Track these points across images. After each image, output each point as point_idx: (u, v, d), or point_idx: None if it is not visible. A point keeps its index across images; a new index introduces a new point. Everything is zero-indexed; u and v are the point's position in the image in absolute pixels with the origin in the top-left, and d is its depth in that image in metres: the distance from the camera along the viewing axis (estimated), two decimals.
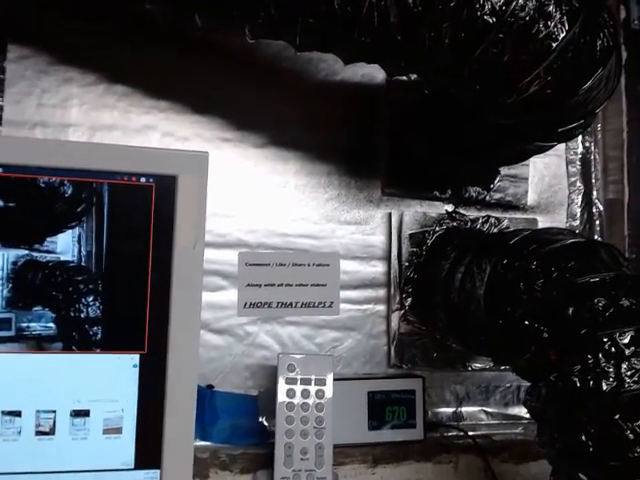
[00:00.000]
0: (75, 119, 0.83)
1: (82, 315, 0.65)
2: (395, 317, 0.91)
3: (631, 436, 0.57)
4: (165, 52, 0.84)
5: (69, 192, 0.65)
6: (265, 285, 0.88)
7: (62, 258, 0.65)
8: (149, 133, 0.85)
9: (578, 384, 0.60)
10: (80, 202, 0.65)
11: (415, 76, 0.73)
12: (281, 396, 0.78)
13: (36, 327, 0.64)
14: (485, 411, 0.96)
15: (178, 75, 0.85)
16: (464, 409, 0.95)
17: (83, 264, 0.65)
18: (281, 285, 0.88)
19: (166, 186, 0.67)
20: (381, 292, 0.92)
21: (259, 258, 0.88)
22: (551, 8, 0.59)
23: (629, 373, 0.59)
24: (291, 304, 0.88)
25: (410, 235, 0.91)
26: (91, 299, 0.65)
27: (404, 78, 0.85)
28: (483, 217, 0.93)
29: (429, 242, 0.91)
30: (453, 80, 0.64)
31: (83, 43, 0.83)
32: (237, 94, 0.87)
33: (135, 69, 0.84)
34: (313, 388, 0.79)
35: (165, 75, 0.85)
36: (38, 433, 0.63)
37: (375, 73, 0.85)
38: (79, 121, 0.83)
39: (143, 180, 0.67)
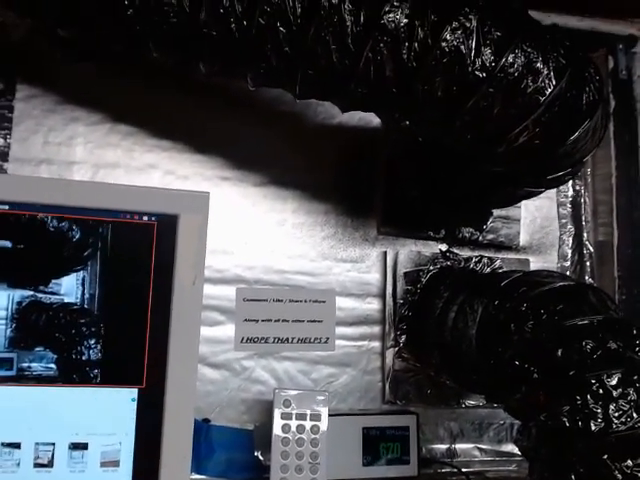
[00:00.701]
0: (80, 157, 0.85)
1: (83, 357, 0.66)
2: (390, 354, 0.92)
3: (619, 476, 0.58)
4: (168, 93, 0.87)
5: (76, 236, 0.67)
6: (262, 320, 0.89)
7: (66, 300, 0.66)
8: (151, 171, 0.87)
9: (567, 424, 0.61)
10: (86, 246, 0.67)
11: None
12: (277, 431, 0.79)
13: (37, 367, 0.65)
14: (479, 448, 0.96)
15: (180, 115, 0.88)
16: (458, 446, 0.95)
17: (86, 306, 0.67)
18: (278, 321, 0.89)
19: (168, 225, 0.69)
20: (376, 329, 0.93)
21: (257, 294, 0.89)
22: (539, 64, 0.62)
23: (617, 414, 0.60)
24: (287, 339, 0.90)
25: (405, 273, 0.93)
26: (93, 342, 0.67)
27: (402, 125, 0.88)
28: (476, 257, 0.95)
29: (423, 280, 0.93)
30: (445, 131, 0.66)
31: (90, 83, 0.86)
32: (237, 134, 0.90)
33: (139, 109, 0.87)
34: (308, 423, 0.80)
35: (168, 115, 0.88)
36: (37, 465, 0.64)
37: (371, 117, 0.88)
38: (84, 159, 0.85)
39: (145, 219, 0.69)
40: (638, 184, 0.99)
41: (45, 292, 0.66)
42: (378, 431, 0.88)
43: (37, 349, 0.65)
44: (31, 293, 0.65)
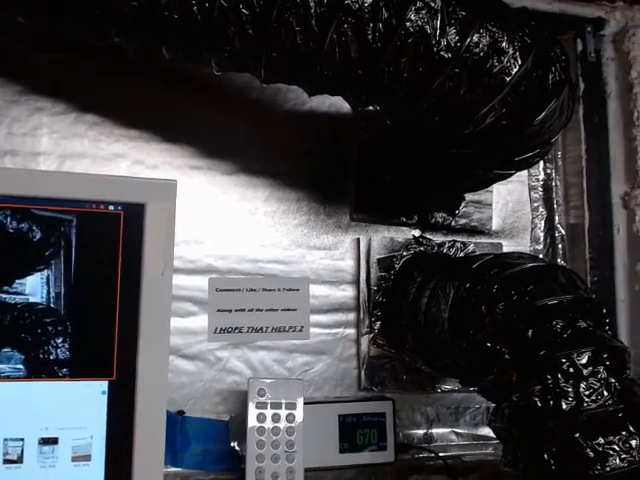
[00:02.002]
0: (45, 148, 0.84)
1: (51, 357, 0.65)
2: (365, 340, 0.92)
3: (591, 454, 0.58)
4: (134, 81, 0.85)
5: (39, 232, 0.65)
6: (235, 310, 0.88)
7: (31, 300, 0.65)
8: (119, 161, 0.86)
9: (539, 404, 0.62)
10: (51, 240, 0.66)
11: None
12: (252, 421, 0.78)
13: (5, 369, 0.64)
14: (455, 432, 0.97)
15: (147, 104, 0.87)
16: (434, 430, 0.96)
17: (52, 305, 0.65)
18: (251, 310, 0.89)
19: (134, 214, 0.68)
20: (351, 316, 0.93)
21: (229, 284, 0.88)
22: (504, 44, 0.62)
23: (587, 392, 0.61)
24: (262, 329, 0.89)
25: (378, 260, 0.93)
26: (60, 341, 0.65)
27: (370, 108, 0.88)
28: (449, 242, 0.95)
29: (397, 267, 0.93)
30: (412, 112, 0.66)
31: (53, 73, 0.84)
32: (206, 122, 0.89)
33: (105, 98, 0.85)
34: (284, 412, 0.79)
35: (135, 104, 0.86)
36: (6, 462, 0.63)
37: (342, 103, 0.86)
38: (49, 150, 0.84)
39: (112, 208, 0.67)
40: (608, 166, 1.00)
41: (9, 292, 0.64)
42: (354, 418, 0.88)
43: (4, 350, 0.64)
44: None
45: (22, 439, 0.64)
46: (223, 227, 0.89)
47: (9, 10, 0.69)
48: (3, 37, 0.81)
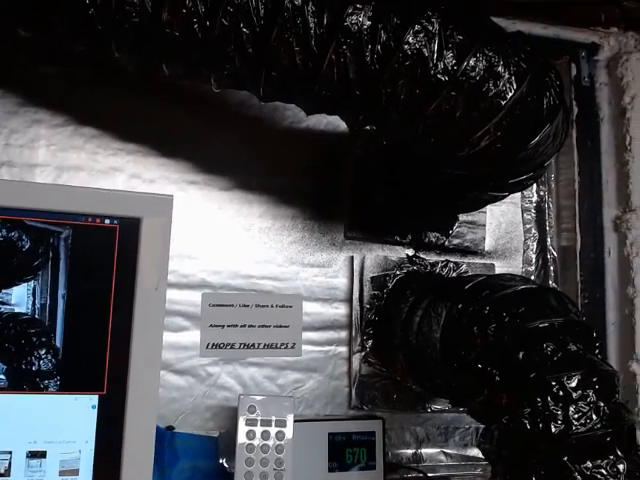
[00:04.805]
0: (42, 160, 0.84)
1: (34, 368, 0.65)
2: (356, 359, 0.92)
3: (579, 477, 0.58)
4: (133, 96, 0.86)
5: (26, 246, 0.65)
6: (228, 326, 0.88)
7: (16, 310, 0.65)
8: (116, 175, 0.86)
9: (528, 427, 0.62)
10: (37, 256, 0.66)
11: None
12: (241, 437, 0.78)
13: None
14: (444, 452, 0.97)
15: (145, 118, 0.87)
16: (424, 450, 0.96)
17: (37, 317, 0.65)
18: (244, 326, 0.89)
19: (130, 228, 0.68)
20: (343, 334, 0.93)
21: (222, 299, 0.88)
22: (500, 68, 0.63)
23: (576, 416, 0.61)
24: (254, 345, 0.89)
25: (372, 278, 0.93)
26: (43, 352, 0.65)
27: (367, 128, 0.89)
28: (442, 261, 0.96)
29: (390, 285, 0.93)
30: (408, 134, 0.67)
31: (53, 85, 0.84)
32: (204, 138, 0.89)
33: (103, 112, 0.86)
34: (273, 429, 0.79)
35: (133, 118, 0.87)
36: None
37: (339, 122, 0.87)
38: (46, 162, 0.84)
39: (107, 222, 0.68)
40: (600, 190, 1.01)
41: None
42: (344, 436, 0.88)
43: None
44: None
45: (10, 452, 0.64)
46: (217, 242, 0.89)
47: (9, 23, 0.69)
48: (3, 49, 0.82)
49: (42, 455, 0.64)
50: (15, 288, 0.65)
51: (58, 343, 0.65)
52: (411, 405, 0.94)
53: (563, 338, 0.65)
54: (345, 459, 0.87)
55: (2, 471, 0.63)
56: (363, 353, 0.92)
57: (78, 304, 0.66)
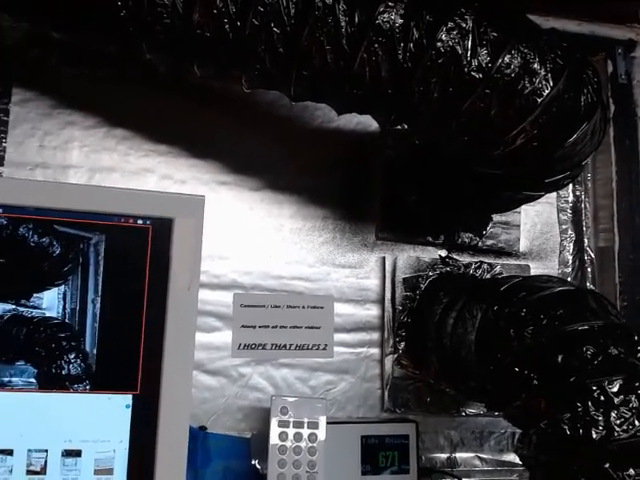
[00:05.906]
0: (75, 161, 0.85)
1: (63, 372, 0.65)
2: (389, 361, 0.91)
3: None
4: (165, 97, 0.86)
5: (57, 251, 0.66)
6: (259, 327, 0.88)
7: (47, 314, 0.66)
8: (147, 176, 0.86)
9: (568, 432, 0.60)
10: (67, 261, 0.66)
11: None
12: (273, 439, 0.78)
13: (18, 382, 0.64)
14: (479, 457, 0.95)
15: (177, 120, 0.87)
16: (458, 455, 0.94)
17: (67, 321, 0.66)
18: (275, 327, 0.89)
19: (163, 228, 0.68)
20: (375, 335, 0.92)
21: (254, 300, 0.88)
22: (536, 65, 0.62)
23: (618, 422, 0.59)
24: (285, 346, 0.89)
25: (404, 279, 0.92)
26: (73, 356, 0.66)
27: (398, 127, 0.88)
28: (476, 263, 0.94)
29: (422, 286, 0.92)
30: (441, 133, 0.66)
31: (86, 87, 0.85)
32: (235, 139, 0.89)
33: (135, 113, 0.86)
34: (306, 431, 0.79)
35: (164, 120, 0.87)
36: (29, 472, 0.63)
37: (369, 121, 0.87)
38: (79, 163, 0.85)
39: (140, 222, 0.68)
40: (638, 189, 0.98)
41: (27, 306, 0.65)
42: (377, 439, 0.87)
43: (18, 363, 0.64)
44: (12, 307, 0.64)
45: (46, 450, 0.64)
46: (248, 243, 0.89)
47: (43, 25, 0.70)
48: (36, 51, 0.83)
49: (77, 454, 0.65)
50: (46, 292, 0.66)
51: (88, 347, 0.66)
52: (445, 408, 0.92)
53: (603, 341, 0.63)
54: (378, 462, 0.86)
55: (38, 469, 0.64)
56: (395, 355, 0.91)
57: (112, 304, 0.67)
